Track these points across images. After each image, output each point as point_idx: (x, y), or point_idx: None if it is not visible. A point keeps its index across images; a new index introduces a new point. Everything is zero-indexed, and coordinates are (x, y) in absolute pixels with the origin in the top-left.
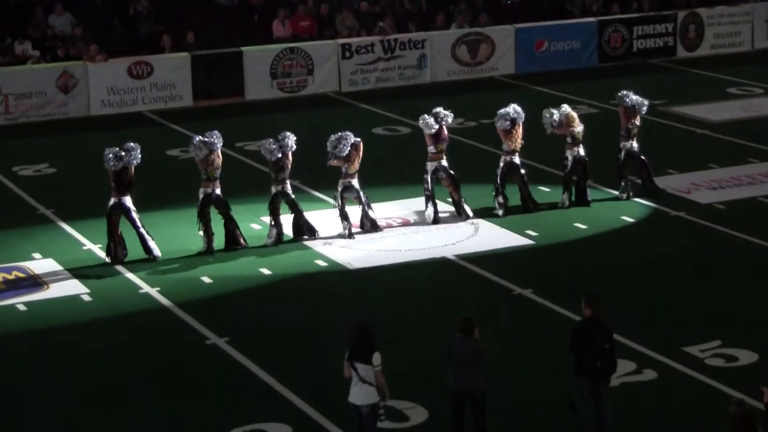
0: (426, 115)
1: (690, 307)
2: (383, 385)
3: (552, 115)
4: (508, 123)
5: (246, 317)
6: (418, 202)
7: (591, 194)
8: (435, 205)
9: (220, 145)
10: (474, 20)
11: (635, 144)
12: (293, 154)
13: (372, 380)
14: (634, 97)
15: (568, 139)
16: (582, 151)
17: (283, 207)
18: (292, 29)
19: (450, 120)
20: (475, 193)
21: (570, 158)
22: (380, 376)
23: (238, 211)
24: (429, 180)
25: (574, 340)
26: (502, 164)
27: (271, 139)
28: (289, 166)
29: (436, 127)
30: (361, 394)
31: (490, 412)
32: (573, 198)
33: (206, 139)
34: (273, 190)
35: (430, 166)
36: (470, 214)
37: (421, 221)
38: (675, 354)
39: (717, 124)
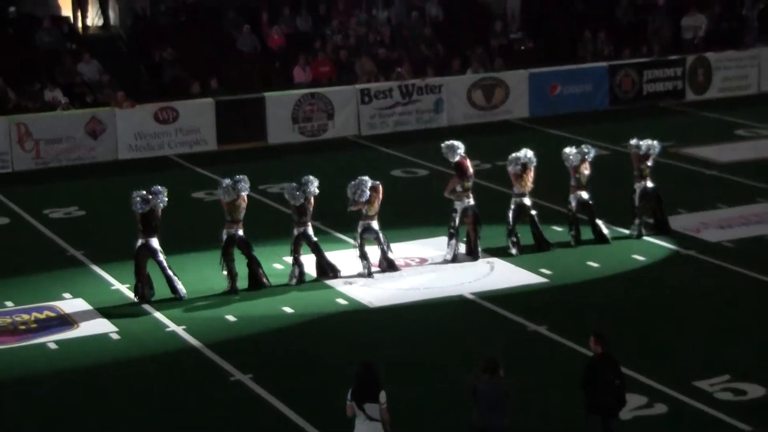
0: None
1: (700, 342)
2: (387, 421)
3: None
4: (519, 167)
5: (269, 354)
6: (436, 242)
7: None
8: (457, 244)
9: (247, 189)
10: (489, 65)
11: (649, 183)
12: (315, 197)
13: (377, 416)
14: (644, 145)
15: (572, 182)
16: (585, 195)
17: (305, 248)
18: (313, 74)
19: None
20: (490, 233)
21: (573, 202)
22: (385, 412)
23: (261, 252)
24: (456, 219)
25: (587, 377)
26: (513, 206)
27: (295, 184)
28: (311, 209)
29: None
30: (368, 431)
31: None
32: (581, 236)
33: (236, 184)
34: (295, 232)
35: (459, 205)
36: (480, 256)
37: (439, 260)
38: (685, 388)
39: (725, 165)
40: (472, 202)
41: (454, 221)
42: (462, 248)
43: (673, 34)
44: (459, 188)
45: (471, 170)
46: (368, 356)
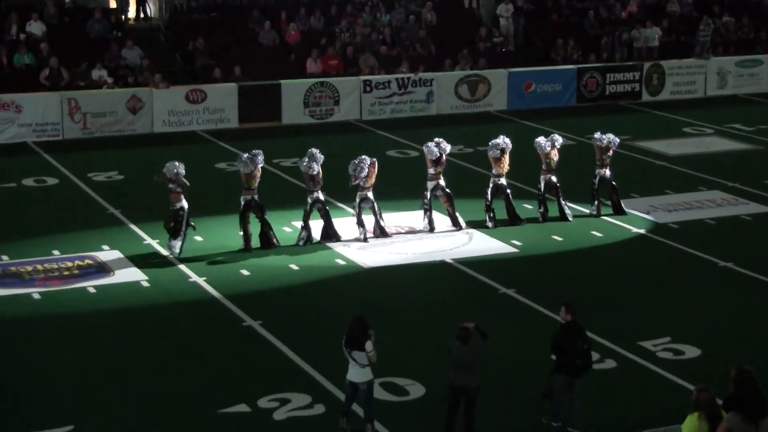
0: (430, 143)
1: (645, 308)
2: (375, 359)
3: (545, 143)
4: (498, 152)
5: (277, 304)
6: (423, 214)
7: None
8: (431, 217)
9: (263, 162)
10: (474, 64)
11: (608, 171)
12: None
13: (365, 362)
14: (605, 138)
15: (543, 167)
16: (554, 178)
17: (315, 214)
18: (323, 66)
19: (448, 149)
20: (470, 208)
21: (543, 182)
22: (372, 357)
23: (272, 216)
24: (428, 196)
25: (558, 343)
26: (491, 185)
27: (307, 159)
28: (321, 178)
29: (437, 153)
30: (359, 375)
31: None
32: (548, 213)
33: (253, 158)
34: (309, 199)
35: (430, 184)
36: (463, 225)
37: (424, 229)
38: (632, 347)
39: (673, 158)
40: (442, 182)
41: (426, 198)
42: (437, 220)
43: (632, 44)
44: (432, 170)
45: (444, 158)
46: (359, 312)
